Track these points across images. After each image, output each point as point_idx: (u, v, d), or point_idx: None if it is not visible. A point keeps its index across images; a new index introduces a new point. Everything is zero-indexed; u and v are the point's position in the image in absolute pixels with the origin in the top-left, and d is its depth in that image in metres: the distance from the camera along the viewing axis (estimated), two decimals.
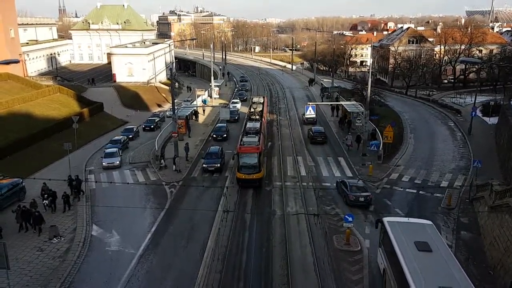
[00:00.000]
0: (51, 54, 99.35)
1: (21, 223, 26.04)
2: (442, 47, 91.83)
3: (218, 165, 36.00)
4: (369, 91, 43.81)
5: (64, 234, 25.97)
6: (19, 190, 30.85)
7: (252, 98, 53.87)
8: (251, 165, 32.05)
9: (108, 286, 20.88)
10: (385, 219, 21.59)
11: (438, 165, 38.22)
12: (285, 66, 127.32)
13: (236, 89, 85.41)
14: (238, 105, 63.49)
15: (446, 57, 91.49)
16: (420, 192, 31.64)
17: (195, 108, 57.20)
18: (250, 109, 46.75)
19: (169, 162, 38.26)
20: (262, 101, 49.99)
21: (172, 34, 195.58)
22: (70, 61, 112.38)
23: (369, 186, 32.86)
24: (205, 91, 70.64)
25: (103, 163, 38.22)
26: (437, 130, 51.45)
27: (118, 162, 38.45)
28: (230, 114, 50.44)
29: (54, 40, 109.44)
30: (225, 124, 49.71)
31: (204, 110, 59.89)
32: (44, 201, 28.71)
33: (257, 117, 42.80)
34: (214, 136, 46.87)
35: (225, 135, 46.71)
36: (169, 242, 25.24)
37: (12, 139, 41.88)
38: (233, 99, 69.73)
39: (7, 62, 17.54)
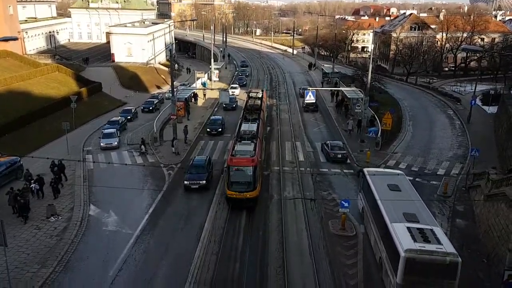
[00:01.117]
0: (50, 32, 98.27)
1: (13, 206, 25.73)
2: (444, 34, 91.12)
3: (204, 181, 29.23)
4: (369, 77, 43.72)
5: (61, 213, 26.09)
6: (16, 168, 30.88)
7: (249, 92, 46.93)
8: (244, 181, 26.43)
9: (105, 265, 21.08)
10: (365, 169, 26.63)
11: (436, 153, 38.33)
12: (286, 50, 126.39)
13: (236, 72, 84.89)
14: (237, 91, 60.99)
15: (447, 45, 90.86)
16: (417, 179, 31.74)
17: (195, 90, 56.90)
18: (246, 105, 41.05)
19: (167, 144, 38.32)
20: (260, 96, 44.04)
21: (173, 14, 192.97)
22: (69, 39, 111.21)
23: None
24: (204, 73, 70.20)
25: (101, 144, 38.16)
26: (436, 118, 51.45)
27: (116, 143, 38.39)
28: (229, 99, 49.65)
29: (53, 18, 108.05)
30: (220, 117, 45.45)
31: (204, 94, 59.30)
32: (32, 185, 27.53)
33: (254, 116, 36.10)
34: (208, 130, 42.63)
35: (220, 129, 42.53)
36: (167, 224, 25.41)
37: (11, 117, 41.72)
38: (232, 84, 67.07)
39: (6, 39, 17.35)
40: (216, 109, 53.74)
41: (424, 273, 17.55)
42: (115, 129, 40.48)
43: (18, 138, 39.67)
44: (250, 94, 45.26)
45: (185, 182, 29.42)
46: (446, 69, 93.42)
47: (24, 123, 42.08)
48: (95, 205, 27.46)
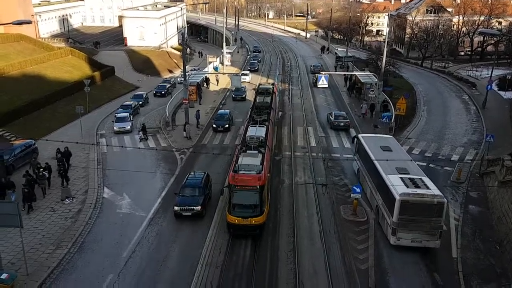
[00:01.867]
0: (63, 15, 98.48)
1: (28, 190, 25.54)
2: (461, 17, 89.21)
3: (199, 207, 23.87)
4: (383, 61, 43.03)
5: (76, 196, 26.49)
6: (31, 151, 31.32)
7: (258, 87, 41.54)
8: (249, 204, 21.85)
9: (119, 247, 21.44)
10: (359, 135, 30.19)
11: (450, 138, 37.92)
12: (299, 34, 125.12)
13: (249, 56, 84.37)
14: (248, 77, 58.27)
15: (464, 28, 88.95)
16: (430, 165, 31.49)
17: (206, 75, 56.76)
18: (253, 103, 36.29)
19: (180, 129, 38.48)
20: (270, 90, 38.99)
21: None
22: (82, 23, 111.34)
23: None
24: (216, 58, 69.91)
25: (115, 128, 38.43)
26: (450, 103, 50.76)
27: (129, 127, 38.66)
28: (237, 91, 47.72)
29: (66, 1, 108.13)
30: (228, 111, 41.17)
31: (217, 80, 58.64)
32: (41, 172, 26.52)
33: (263, 117, 31.54)
34: (214, 126, 38.76)
35: (227, 125, 38.65)
36: None
37: (25, 100, 42.13)
38: (243, 70, 63.98)
39: (20, 23, 17.38)
40: (228, 93, 53.55)
41: (416, 212, 20.70)
42: (128, 113, 40.72)
43: (33, 121, 40.09)
44: (259, 89, 40.43)
45: (175, 207, 24.05)
46: (462, 53, 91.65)
47: (38, 107, 42.44)
48: (109, 188, 27.81)
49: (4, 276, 17.59)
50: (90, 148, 33.59)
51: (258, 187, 21.91)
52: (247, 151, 24.82)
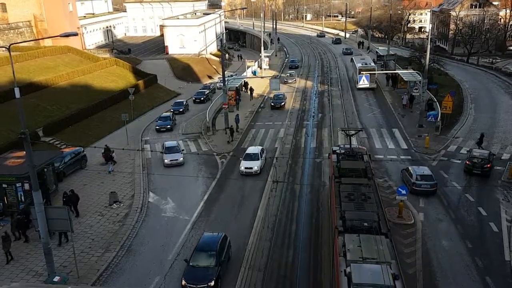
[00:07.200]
0: (107, 27, 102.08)
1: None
2: (508, 11, 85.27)
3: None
4: (427, 58, 41.73)
5: (123, 200, 27.32)
6: (81, 158, 32.60)
7: None
8: None
9: (164, 250, 21.92)
10: (353, 57, 58.02)
11: (500, 137, 36.27)
12: (337, 34, 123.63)
13: (286, 59, 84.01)
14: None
15: None
16: None
17: (245, 79, 57.02)
18: None
19: (220, 133, 38.89)
20: None
21: (223, 3, 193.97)
22: (125, 33, 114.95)
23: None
24: (255, 62, 70.19)
25: (165, 160, 32.66)
26: (499, 100, 48.60)
27: (181, 158, 33.04)
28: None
29: (109, 13, 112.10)
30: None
31: (251, 94, 53.09)
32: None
33: None
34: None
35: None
36: (221, 210, 25.94)
37: (73, 109, 43.92)
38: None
39: (67, 35, 18.13)
40: (265, 99, 53.55)
41: (364, 71, 51.32)
42: (177, 143, 35.18)
43: (81, 129, 41.71)
44: None
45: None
46: (511, 48, 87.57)
47: (86, 115, 44.14)
48: (153, 193, 28.50)
49: (56, 278, 18.36)
50: (136, 154, 34.55)
51: None
52: None
